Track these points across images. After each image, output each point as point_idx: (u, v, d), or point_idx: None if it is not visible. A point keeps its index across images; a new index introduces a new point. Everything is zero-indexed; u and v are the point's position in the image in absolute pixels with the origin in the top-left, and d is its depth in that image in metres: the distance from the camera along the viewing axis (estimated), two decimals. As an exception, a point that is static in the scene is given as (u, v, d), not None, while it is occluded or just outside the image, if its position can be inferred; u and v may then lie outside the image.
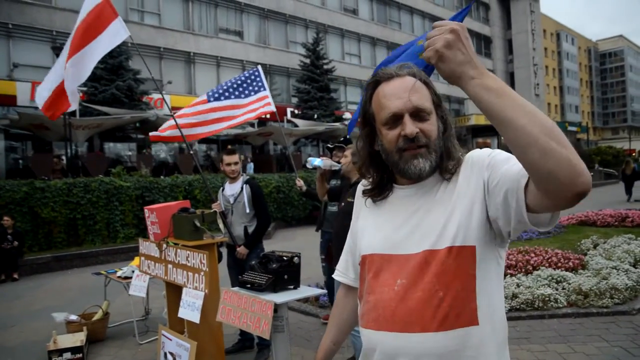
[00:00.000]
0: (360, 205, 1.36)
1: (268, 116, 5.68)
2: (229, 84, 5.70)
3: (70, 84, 4.69)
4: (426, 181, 1.19)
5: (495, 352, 1.13)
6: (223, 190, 4.55)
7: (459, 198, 1.13)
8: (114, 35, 4.63)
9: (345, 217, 4.17)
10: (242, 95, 5.59)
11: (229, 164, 4.41)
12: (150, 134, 5.72)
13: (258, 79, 5.67)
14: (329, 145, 4.89)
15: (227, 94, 5.58)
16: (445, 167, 1.16)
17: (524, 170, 0.97)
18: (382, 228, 1.24)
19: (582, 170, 0.88)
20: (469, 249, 1.10)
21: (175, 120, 5.00)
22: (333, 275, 1.53)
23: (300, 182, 4.92)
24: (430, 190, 1.18)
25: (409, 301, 1.11)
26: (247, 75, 5.73)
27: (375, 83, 1.21)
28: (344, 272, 1.46)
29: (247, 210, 4.33)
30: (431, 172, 1.16)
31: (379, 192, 1.27)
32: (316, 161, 3.93)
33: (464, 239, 1.10)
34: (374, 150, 1.25)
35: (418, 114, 1.13)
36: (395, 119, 1.14)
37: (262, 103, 5.51)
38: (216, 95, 5.59)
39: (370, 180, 1.29)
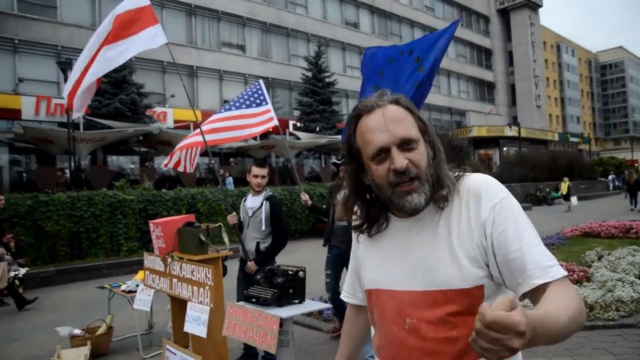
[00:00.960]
0: (355, 236, 1.34)
1: (271, 129, 5.67)
2: (234, 100, 5.79)
3: (93, 73, 4.57)
4: (424, 212, 1.15)
5: None
6: (245, 201, 4.50)
7: (461, 239, 1.11)
8: (151, 38, 4.61)
9: None
10: (244, 106, 5.63)
11: (256, 176, 4.33)
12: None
13: (260, 91, 5.70)
14: (336, 161, 4.87)
15: (233, 108, 5.65)
16: (439, 196, 1.13)
17: (525, 276, 1.03)
18: (384, 263, 1.21)
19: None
20: (477, 288, 1.09)
21: (201, 129, 5.11)
22: (341, 297, 1.51)
23: (305, 197, 4.80)
24: (429, 222, 1.15)
25: (423, 342, 1.10)
26: (249, 91, 5.78)
27: (356, 117, 1.17)
28: (353, 293, 1.44)
29: (263, 227, 4.26)
30: (427, 204, 1.13)
31: (369, 226, 1.23)
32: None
33: (473, 280, 1.08)
34: (361, 184, 1.21)
35: (405, 145, 1.10)
36: (383, 152, 1.11)
37: (265, 117, 5.54)
38: (224, 108, 5.73)
39: (358, 214, 1.26)
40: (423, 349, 1.10)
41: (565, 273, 1.03)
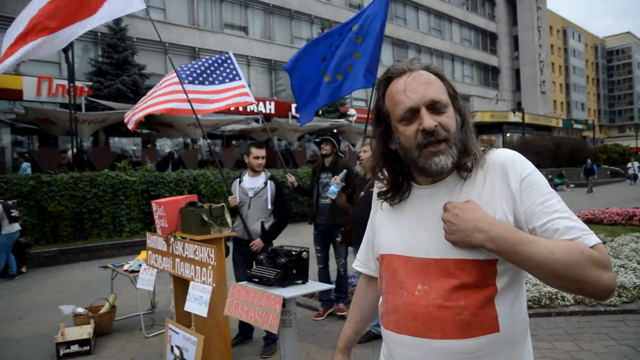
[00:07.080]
0: (378, 203, 1.33)
1: (242, 108, 5.40)
2: (201, 66, 5.41)
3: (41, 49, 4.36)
4: (445, 180, 1.15)
5: (516, 357, 1.13)
6: (240, 182, 4.47)
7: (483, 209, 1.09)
8: (128, 1, 4.38)
9: (366, 206, 4.20)
10: (216, 82, 5.35)
11: (257, 157, 4.36)
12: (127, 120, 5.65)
13: (232, 66, 5.44)
14: (316, 139, 5.01)
15: (200, 78, 5.32)
16: (463, 164, 1.12)
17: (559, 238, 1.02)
18: (400, 229, 1.21)
19: (607, 289, 0.99)
20: (490, 262, 1.07)
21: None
22: (353, 265, 1.52)
23: (291, 178, 4.95)
24: (451, 190, 1.14)
25: (430, 308, 1.10)
26: (219, 61, 5.45)
27: (387, 80, 1.17)
28: (365, 263, 1.44)
29: (269, 207, 4.31)
30: (452, 169, 1.13)
31: (394, 194, 1.23)
32: (333, 189, 4.20)
33: (488, 253, 1.06)
34: (389, 149, 1.21)
35: (435, 107, 1.09)
36: (412, 114, 1.10)
37: (237, 92, 5.27)
38: (190, 78, 5.34)
39: (385, 181, 1.26)
40: (428, 314, 1.10)
41: (600, 241, 1.03)
